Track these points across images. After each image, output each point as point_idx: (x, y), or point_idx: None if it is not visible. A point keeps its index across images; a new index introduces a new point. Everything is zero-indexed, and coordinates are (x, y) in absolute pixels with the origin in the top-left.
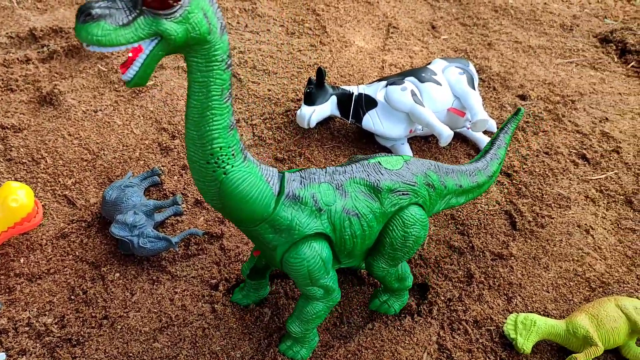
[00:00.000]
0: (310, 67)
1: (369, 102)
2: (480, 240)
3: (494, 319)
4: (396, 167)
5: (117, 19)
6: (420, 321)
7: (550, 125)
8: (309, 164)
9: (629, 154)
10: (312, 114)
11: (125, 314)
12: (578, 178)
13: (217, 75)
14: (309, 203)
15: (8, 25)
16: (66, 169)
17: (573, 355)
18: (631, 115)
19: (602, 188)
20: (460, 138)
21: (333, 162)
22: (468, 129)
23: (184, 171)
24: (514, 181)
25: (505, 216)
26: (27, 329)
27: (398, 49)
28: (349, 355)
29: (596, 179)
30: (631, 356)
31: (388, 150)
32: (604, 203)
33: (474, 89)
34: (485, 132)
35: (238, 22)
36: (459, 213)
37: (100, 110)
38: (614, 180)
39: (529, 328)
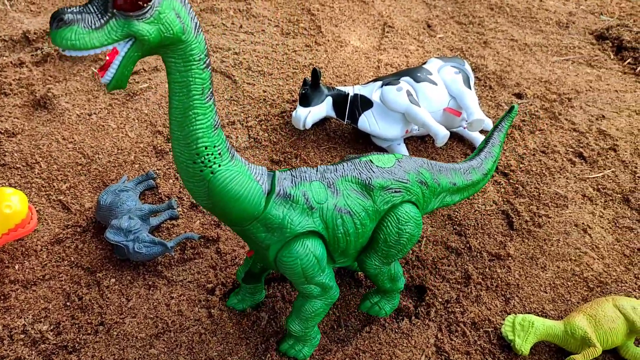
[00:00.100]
0: (305, 68)
1: (365, 103)
2: (478, 241)
3: (492, 321)
4: (388, 165)
5: (89, 22)
6: (418, 323)
7: (546, 124)
8: (305, 166)
9: (625, 151)
10: (308, 115)
11: (121, 320)
12: (575, 177)
13: (196, 75)
14: (301, 201)
15: (1, 28)
16: (61, 174)
17: (571, 356)
18: (628, 113)
19: (599, 186)
20: (456, 137)
21: (329, 163)
22: (464, 128)
23: (179, 174)
24: (510, 180)
25: (503, 216)
26: (22, 336)
27: (394, 48)
28: (347, 359)
29: (593, 178)
30: (629, 356)
31: (384, 151)
32: (601, 202)
33: (470, 88)
34: (481, 132)
35: (233, 23)
36: (456, 213)
37: (95, 113)
38: (611, 179)
39: (526, 329)
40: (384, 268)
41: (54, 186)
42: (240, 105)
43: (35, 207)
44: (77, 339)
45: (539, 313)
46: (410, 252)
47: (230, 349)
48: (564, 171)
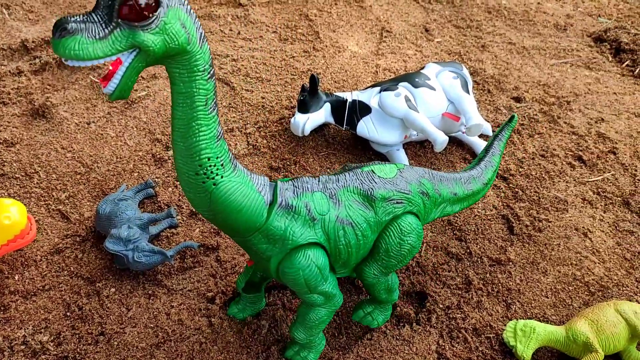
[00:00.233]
0: (303, 74)
1: (363, 109)
2: (478, 246)
3: (494, 326)
4: (390, 175)
5: (93, 32)
6: (419, 330)
7: (545, 127)
8: (304, 172)
9: (625, 154)
10: (306, 122)
11: (121, 330)
12: (575, 180)
13: (200, 86)
14: (302, 212)
15: (0, 37)
16: (60, 183)
17: None
18: (627, 115)
19: (599, 190)
20: (455, 142)
21: (328, 170)
22: (463, 133)
23: (178, 182)
24: (510, 185)
25: (503, 221)
26: (22, 347)
27: (392, 53)
28: None
29: (593, 181)
30: None
31: (383, 156)
32: (601, 205)
33: (468, 92)
34: (480, 136)
35: (231, 30)
36: (456, 219)
37: (93, 122)
38: (610, 182)
39: (528, 335)
40: (382, 278)
41: (53, 196)
42: (239, 112)
43: (35, 217)
44: (78, 350)
45: (541, 318)
46: (411, 258)
47: (231, 357)
48: (563, 175)
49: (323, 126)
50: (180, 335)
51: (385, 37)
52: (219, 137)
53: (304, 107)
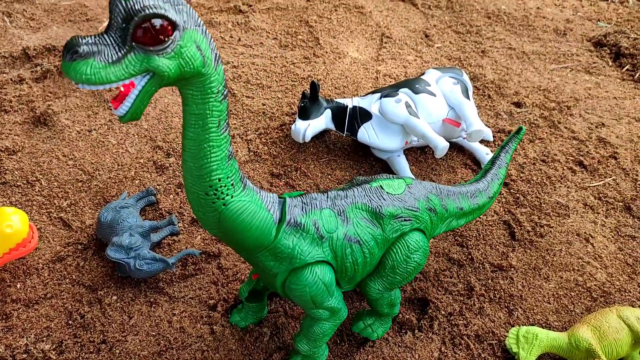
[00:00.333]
0: (304, 80)
1: (364, 115)
2: (480, 252)
3: (496, 333)
4: (398, 191)
5: (106, 55)
6: (421, 337)
7: (546, 133)
8: (305, 179)
9: (626, 159)
10: (307, 128)
11: (123, 338)
12: (576, 185)
13: (213, 107)
14: (311, 230)
15: (1, 45)
16: (61, 191)
17: None
18: (627, 120)
19: (600, 195)
20: (456, 148)
21: (329, 176)
22: (464, 139)
23: (179, 190)
24: (511, 190)
25: (504, 226)
26: (25, 356)
27: (392, 58)
28: None
29: (594, 186)
30: None
31: (384, 162)
32: (602, 210)
33: (469, 98)
34: (481, 142)
35: (231, 36)
36: None
37: (95, 129)
38: (612, 187)
39: (531, 341)
40: (386, 294)
41: (54, 203)
42: (240, 118)
43: (36, 225)
44: (80, 358)
45: (543, 324)
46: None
47: None
48: (564, 180)
49: (324, 132)
50: (182, 343)
51: (385, 42)
52: (230, 156)
53: (305, 113)
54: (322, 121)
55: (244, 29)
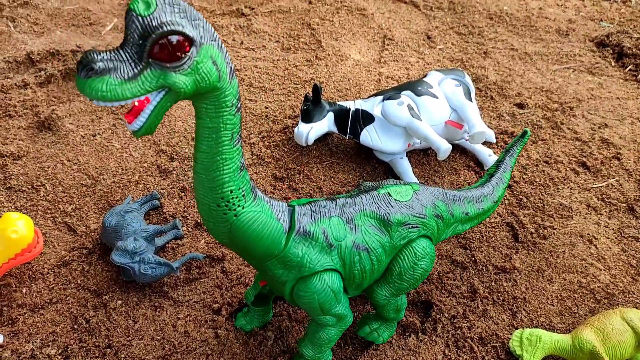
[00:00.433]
0: (306, 83)
1: (366, 118)
2: (483, 254)
3: (500, 335)
4: (406, 198)
5: (122, 72)
6: (425, 339)
7: (549, 134)
8: (308, 182)
9: (629, 160)
10: (310, 131)
11: (128, 343)
12: (579, 187)
13: (227, 121)
14: (320, 239)
15: (5, 50)
16: (66, 195)
17: None
18: (630, 120)
19: (603, 196)
20: (459, 149)
21: (332, 179)
22: (466, 140)
23: (183, 193)
24: (514, 192)
25: (507, 228)
26: None
27: (394, 60)
28: None
29: (597, 187)
30: None
31: (387, 165)
32: (606, 211)
33: (471, 100)
34: (484, 143)
35: (234, 39)
36: None
37: (99, 134)
38: (615, 188)
39: (534, 344)
40: (392, 299)
41: (59, 208)
42: (243, 122)
43: (41, 230)
44: None
45: (547, 326)
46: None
47: None
48: (567, 181)
49: (326, 135)
50: (186, 347)
51: (388, 44)
52: (242, 168)
53: (308, 116)
54: (325, 124)
55: (246, 32)
